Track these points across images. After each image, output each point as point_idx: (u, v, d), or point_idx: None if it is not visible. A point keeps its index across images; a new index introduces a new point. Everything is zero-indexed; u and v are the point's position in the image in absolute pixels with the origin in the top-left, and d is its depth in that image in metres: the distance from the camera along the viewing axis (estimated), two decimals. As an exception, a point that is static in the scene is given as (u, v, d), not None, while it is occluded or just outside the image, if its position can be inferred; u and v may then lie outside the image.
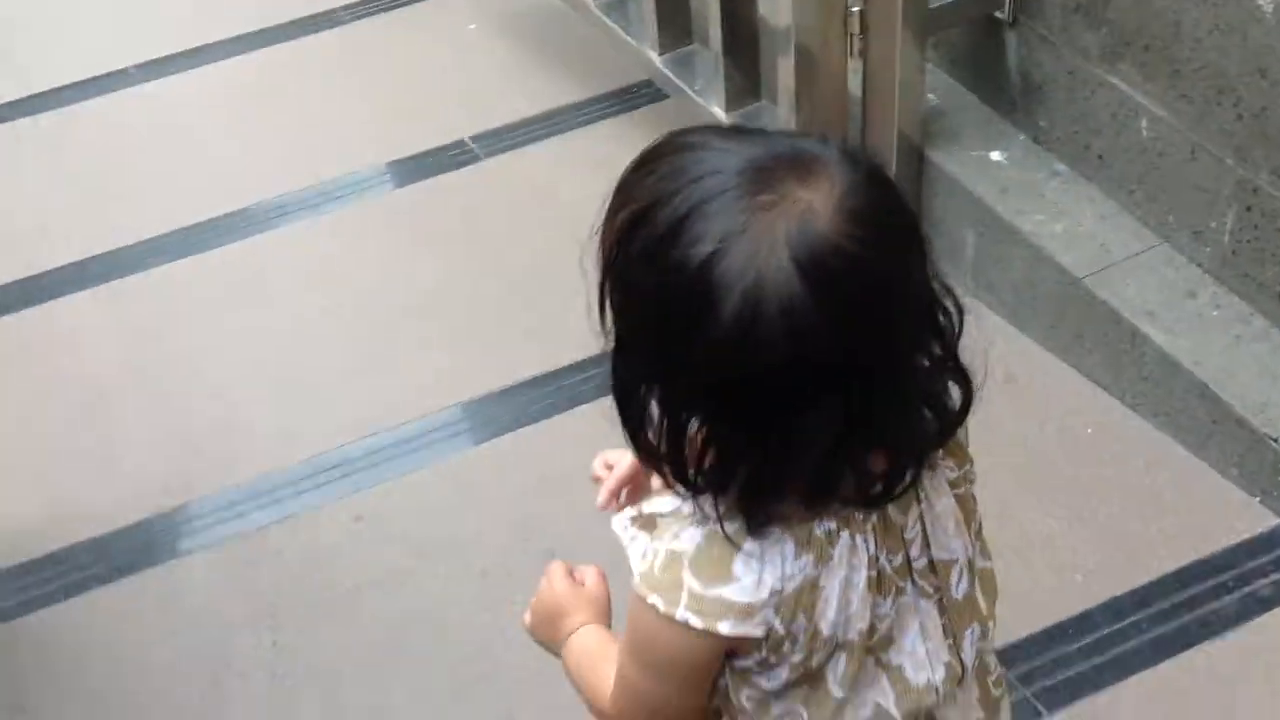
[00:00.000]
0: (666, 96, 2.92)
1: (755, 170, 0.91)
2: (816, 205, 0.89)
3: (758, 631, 1.01)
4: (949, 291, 0.99)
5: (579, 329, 1.00)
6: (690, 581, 1.01)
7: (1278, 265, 2.01)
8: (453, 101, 3.15)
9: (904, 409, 0.98)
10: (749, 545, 1.00)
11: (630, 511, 1.07)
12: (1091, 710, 1.82)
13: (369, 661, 1.98)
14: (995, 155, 2.38)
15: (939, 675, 1.10)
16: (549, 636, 1.26)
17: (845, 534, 1.02)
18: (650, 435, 0.99)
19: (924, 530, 1.08)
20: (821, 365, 0.91)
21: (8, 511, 2.31)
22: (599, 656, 1.19)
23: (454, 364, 2.46)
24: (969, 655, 1.13)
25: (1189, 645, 1.87)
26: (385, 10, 3.47)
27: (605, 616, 1.24)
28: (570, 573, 1.27)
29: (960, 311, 1.00)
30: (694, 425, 0.96)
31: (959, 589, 1.11)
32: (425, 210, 2.88)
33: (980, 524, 1.14)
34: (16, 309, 2.74)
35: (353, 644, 2.01)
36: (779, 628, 1.02)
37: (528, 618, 1.29)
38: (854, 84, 2.41)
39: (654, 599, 1.02)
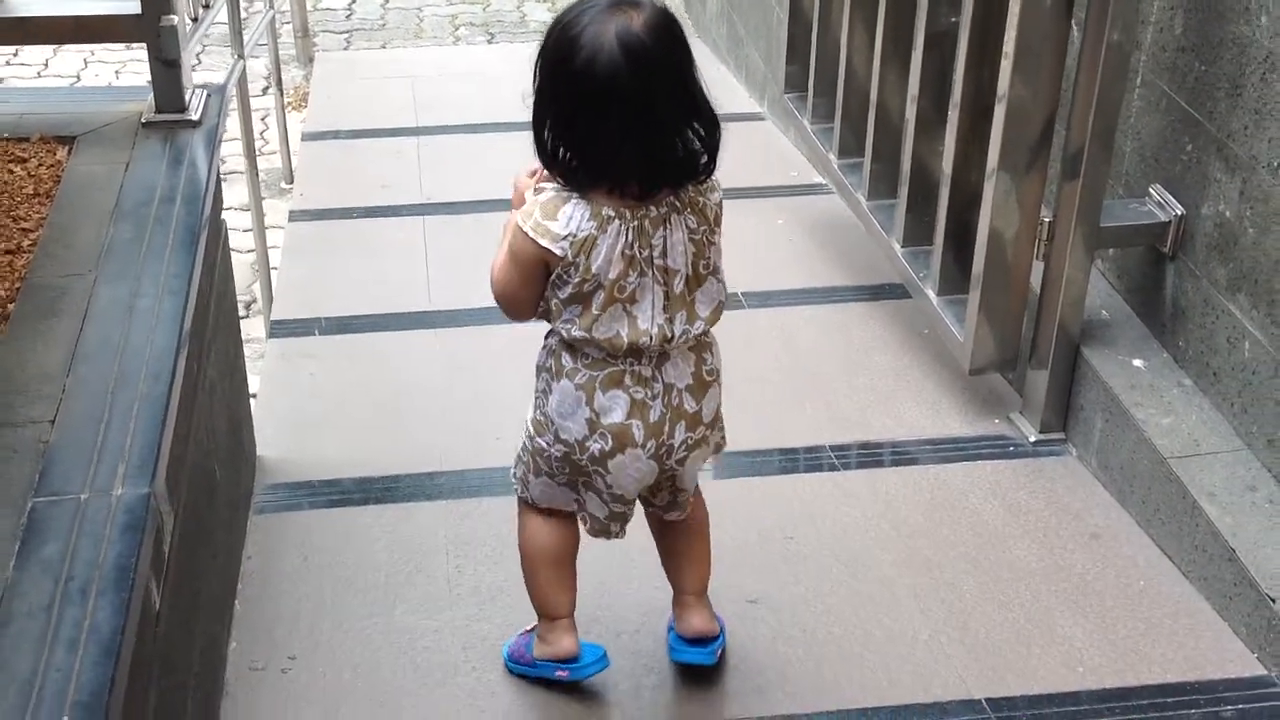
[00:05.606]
0: (908, 296, 3.49)
1: (610, 4, 1.84)
2: (634, 19, 1.82)
3: (558, 251, 1.90)
4: (709, 107, 1.90)
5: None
6: (537, 212, 1.91)
7: (1326, 474, 2.35)
8: (738, 263, 3.81)
9: (663, 141, 1.86)
10: (570, 206, 1.89)
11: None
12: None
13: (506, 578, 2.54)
14: (1137, 362, 2.81)
15: (655, 330, 1.96)
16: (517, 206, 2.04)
17: (618, 222, 1.89)
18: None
19: (665, 245, 1.92)
20: (619, 98, 1.81)
21: (331, 454, 3.05)
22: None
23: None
24: (677, 328, 1.97)
25: (1147, 731, 2.19)
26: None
27: None
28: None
29: (714, 116, 1.90)
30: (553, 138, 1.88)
31: (677, 288, 1.96)
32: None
33: (715, 268, 2.00)
34: (389, 329, 3.63)
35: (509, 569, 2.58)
36: (569, 255, 1.90)
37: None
38: (1036, 282, 2.93)
39: (519, 218, 1.93)
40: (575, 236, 1.89)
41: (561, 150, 1.90)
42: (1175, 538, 2.56)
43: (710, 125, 1.91)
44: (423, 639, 2.44)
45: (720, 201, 2.00)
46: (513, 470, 2.23)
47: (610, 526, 2.16)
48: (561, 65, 1.85)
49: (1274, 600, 2.27)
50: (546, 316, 2.02)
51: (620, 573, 2.50)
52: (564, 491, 2.16)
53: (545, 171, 1.96)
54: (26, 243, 2.21)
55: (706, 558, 2.31)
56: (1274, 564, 2.32)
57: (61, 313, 2.03)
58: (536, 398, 2.11)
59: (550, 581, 2.25)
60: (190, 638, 2.06)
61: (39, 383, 1.88)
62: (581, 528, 2.22)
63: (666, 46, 1.85)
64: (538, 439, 2.12)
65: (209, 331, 2.39)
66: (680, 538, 2.29)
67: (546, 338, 2.08)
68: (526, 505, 2.23)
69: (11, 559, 1.59)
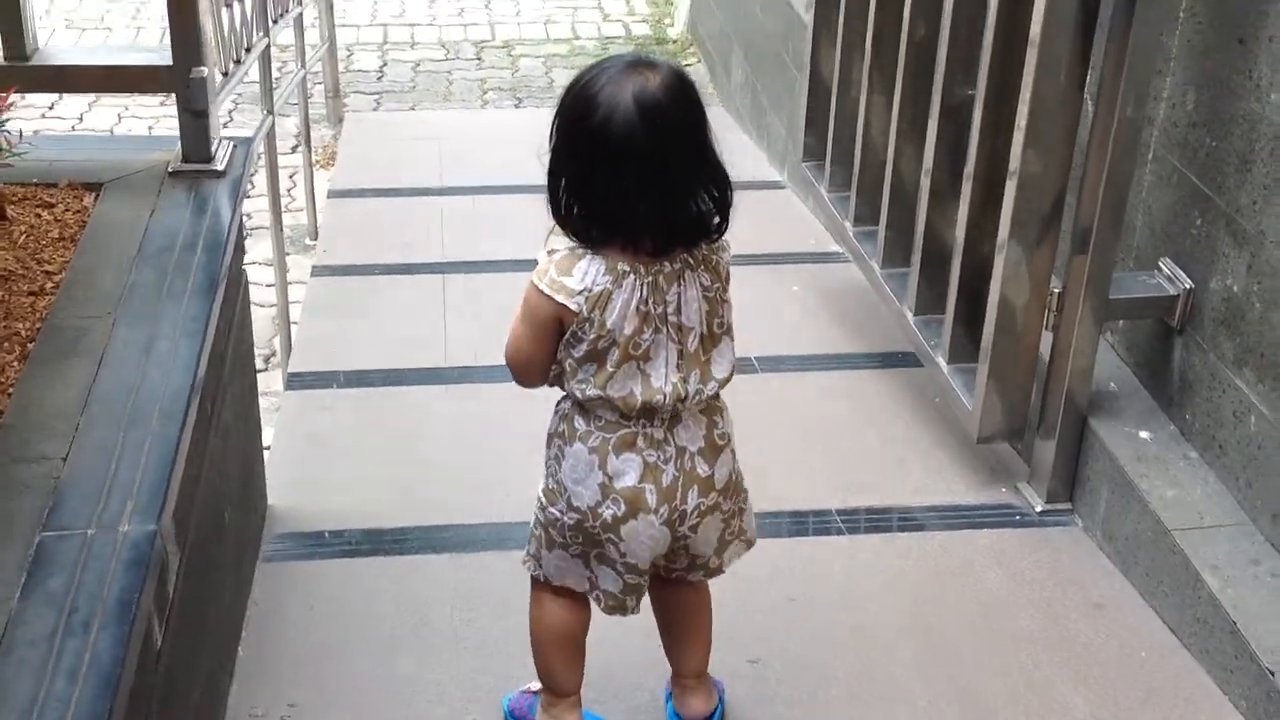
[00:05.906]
0: (920, 364, 3.51)
1: (626, 65, 1.88)
2: (650, 80, 1.86)
3: (573, 306, 1.91)
4: (721, 168, 1.93)
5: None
6: (551, 270, 1.93)
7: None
8: (752, 328, 3.85)
9: (678, 200, 1.90)
10: (585, 262, 1.91)
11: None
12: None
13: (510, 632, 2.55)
14: (1144, 434, 2.82)
15: (669, 388, 1.97)
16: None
17: (633, 277, 1.91)
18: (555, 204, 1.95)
19: (679, 302, 1.94)
20: (635, 157, 1.85)
21: (341, 505, 3.09)
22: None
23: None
24: (690, 388, 1.99)
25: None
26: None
27: None
28: None
29: (726, 177, 1.93)
30: (568, 196, 1.92)
31: (691, 346, 1.98)
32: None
33: (728, 327, 2.01)
34: (404, 384, 3.68)
35: (513, 623, 2.60)
36: (585, 311, 1.92)
37: None
38: (1045, 352, 2.95)
39: (534, 278, 1.94)
40: (590, 291, 1.90)
41: (576, 208, 1.93)
42: (1177, 610, 2.56)
43: (723, 185, 1.94)
44: (425, 692, 2.45)
45: (729, 261, 2.02)
46: (526, 549, 2.19)
47: (626, 601, 2.13)
48: (578, 124, 1.88)
49: (1274, 674, 2.27)
50: (560, 382, 2.03)
51: (619, 629, 2.48)
52: (577, 566, 2.13)
53: (558, 230, 1.98)
54: (49, 285, 2.26)
55: (709, 637, 2.29)
56: (1275, 638, 2.32)
57: (80, 353, 2.07)
58: (548, 465, 2.10)
59: (559, 661, 2.23)
60: (191, 676, 2.08)
61: (54, 420, 1.92)
62: (595, 607, 2.19)
63: (682, 107, 1.88)
64: (550, 509, 2.10)
65: (224, 376, 2.43)
66: (683, 614, 2.27)
67: (559, 403, 2.08)
68: (539, 584, 2.20)
69: (17, 590, 1.62)
